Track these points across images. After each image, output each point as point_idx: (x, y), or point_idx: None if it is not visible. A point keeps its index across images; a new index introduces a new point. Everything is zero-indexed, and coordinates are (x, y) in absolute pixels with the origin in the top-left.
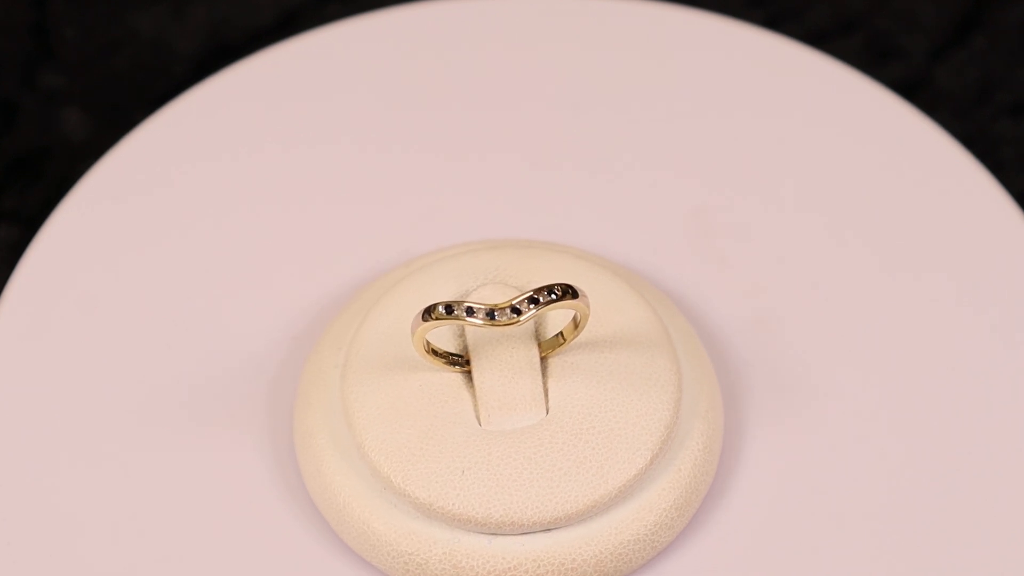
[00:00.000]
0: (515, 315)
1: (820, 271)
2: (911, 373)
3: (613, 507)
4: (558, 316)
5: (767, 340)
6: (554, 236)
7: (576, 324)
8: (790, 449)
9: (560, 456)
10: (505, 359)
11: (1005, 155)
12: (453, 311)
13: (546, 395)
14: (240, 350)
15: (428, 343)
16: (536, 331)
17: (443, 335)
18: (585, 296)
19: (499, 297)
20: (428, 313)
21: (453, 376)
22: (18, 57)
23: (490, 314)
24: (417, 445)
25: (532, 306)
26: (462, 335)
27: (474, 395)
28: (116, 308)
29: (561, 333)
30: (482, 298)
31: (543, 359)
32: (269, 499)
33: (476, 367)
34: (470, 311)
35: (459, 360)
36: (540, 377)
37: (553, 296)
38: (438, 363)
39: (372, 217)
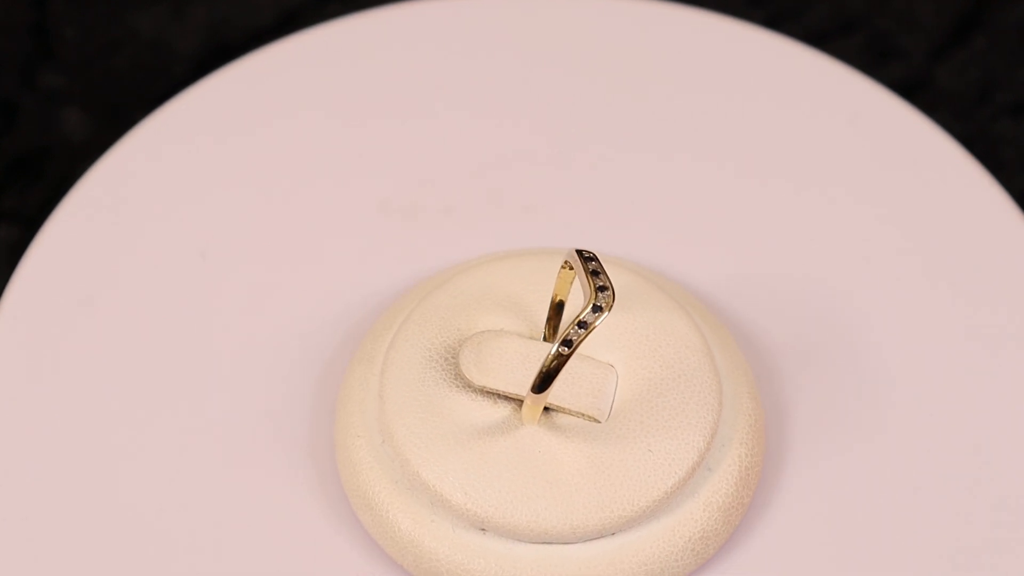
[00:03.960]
0: (609, 293)
1: (819, 270)
2: (913, 376)
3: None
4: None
5: (781, 330)
6: (565, 241)
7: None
8: (834, 426)
9: (669, 416)
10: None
11: (1005, 155)
12: (572, 342)
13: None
14: (241, 351)
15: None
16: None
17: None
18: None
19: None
20: (545, 382)
21: (498, 409)
22: (18, 57)
23: (597, 308)
24: (594, 476)
25: (601, 278)
26: (458, 377)
27: (567, 411)
28: (116, 309)
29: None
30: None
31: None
32: (305, 506)
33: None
34: (583, 324)
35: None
36: (579, 354)
37: (593, 261)
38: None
39: (369, 219)
